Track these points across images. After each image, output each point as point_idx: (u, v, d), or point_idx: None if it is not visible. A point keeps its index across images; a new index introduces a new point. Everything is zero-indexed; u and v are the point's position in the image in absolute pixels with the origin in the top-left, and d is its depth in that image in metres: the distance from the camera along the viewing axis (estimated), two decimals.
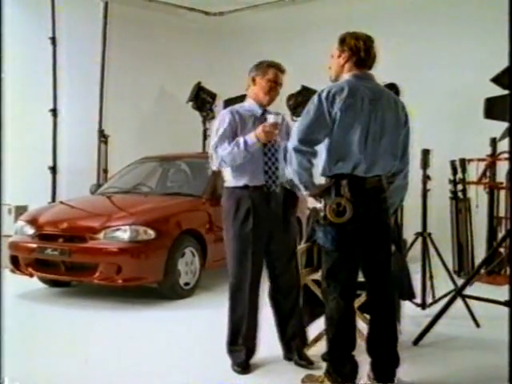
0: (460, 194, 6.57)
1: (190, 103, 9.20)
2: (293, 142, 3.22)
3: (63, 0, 7.98)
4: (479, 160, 6.55)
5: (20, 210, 7.36)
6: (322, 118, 3.19)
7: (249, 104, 3.83)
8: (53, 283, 6.14)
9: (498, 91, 5.51)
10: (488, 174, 6.56)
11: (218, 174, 6.49)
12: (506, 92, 5.31)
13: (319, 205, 3.29)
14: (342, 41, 3.35)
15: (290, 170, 3.30)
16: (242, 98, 9.34)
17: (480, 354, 4.16)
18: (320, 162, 3.29)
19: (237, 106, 3.85)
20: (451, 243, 6.63)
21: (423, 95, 7.15)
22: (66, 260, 5.59)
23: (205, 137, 9.32)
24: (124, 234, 5.49)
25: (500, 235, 6.56)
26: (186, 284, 5.81)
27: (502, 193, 6.60)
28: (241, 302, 3.80)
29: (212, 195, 6.27)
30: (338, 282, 3.31)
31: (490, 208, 6.62)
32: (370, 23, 8.57)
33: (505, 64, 5.25)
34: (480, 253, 6.60)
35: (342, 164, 3.23)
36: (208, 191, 6.30)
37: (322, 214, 3.25)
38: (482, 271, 6.46)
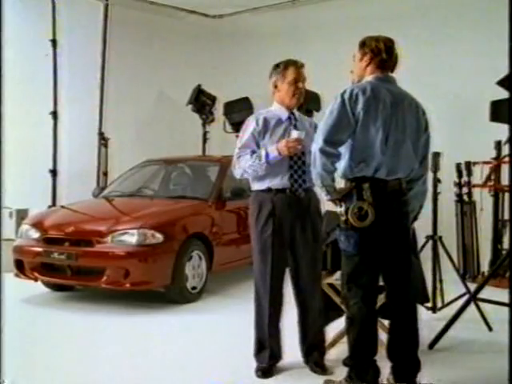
0: (465, 197, 6.57)
1: (190, 106, 9.18)
2: (318, 143, 3.19)
3: (64, 2, 7.91)
4: (484, 163, 6.56)
5: (21, 214, 7.30)
6: (345, 118, 3.18)
7: (275, 108, 3.82)
8: (57, 287, 6.08)
9: (503, 94, 5.51)
10: (493, 176, 6.57)
11: (222, 178, 6.51)
12: None
13: (339, 209, 3.26)
14: (363, 44, 3.36)
15: (313, 173, 3.27)
16: (242, 101, 9.41)
17: (496, 358, 4.11)
18: (341, 164, 3.27)
19: (263, 111, 3.83)
20: (456, 246, 6.63)
21: (427, 98, 7.12)
22: (73, 264, 5.52)
23: (205, 140, 9.30)
24: (132, 238, 5.43)
25: (505, 238, 6.60)
26: (193, 288, 5.76)
27: (507, 195, 6.60)
28: (263, 305, 3.76)
29: (218, 199, 6.25)
30: (360, 287, 3.29)
31: (495, 211, 6.62)
32: (371, 26, 8.56)
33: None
34: (486, 255, 6.63)
35: (365, 166, 3.21)
36: (214, 195, 6.27)
37: (343, 218, 3.22)
38: (488, 274, 6.52)
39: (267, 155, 3.61)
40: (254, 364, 3.86)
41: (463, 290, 5.15)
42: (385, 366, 3.44)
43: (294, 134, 3.64)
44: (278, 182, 3.68)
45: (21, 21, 7.71)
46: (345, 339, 4.10)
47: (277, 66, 3.78)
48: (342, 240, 3.26)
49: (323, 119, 3.26)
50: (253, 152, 3.69)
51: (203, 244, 5.89)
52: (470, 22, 7.67)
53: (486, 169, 6.62)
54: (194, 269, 5.76)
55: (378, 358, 3.42)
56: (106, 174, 8.44)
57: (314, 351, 3.85)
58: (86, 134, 8.42)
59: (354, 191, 3.20)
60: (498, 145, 6.54)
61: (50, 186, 7.93)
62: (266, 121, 3.73)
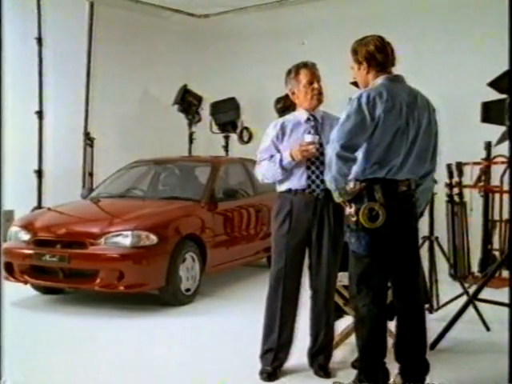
0: (456, 198, 6.60)
1: (176, 106, 9.11)
2: (334, 148, 3.15)
3: (49, 0, 7.79)
4: (474, 164, 6.60)
5: (6, 215, 7.14)
6: (363, 122, 3.14)
7: (297, 112, 3.84)
8: (46, 290, 5.95)
9: (494, 95, 5.55)
10: (483, 177, 6.62)
11: (214, 179, 6.46)
12: (502, 96, 5.36)
13: (349, 210, 3.24)
14: (355, 52, 3.33)
15: (327, 176, 3.22)
16: (228, 101, 9.37)
17: (496, 358, 4.11)
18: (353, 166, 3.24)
19: (287, 116, 3.87)
20: (447, 246, 6.65)
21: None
22: (65, 266, 5.41)
23: (191, 140, 9.24)
24: (126, 240, 5.34)
25: (495, 238, 6.66)
26: (187, 290, 5.69)
27: (497, 196, 6.66)
28: (275, 306, 3.74)
29: (210, 200, 6.19)
30: (370, 289, 3.27)
31: (485, 211, 6.67)
32: (359, 27, 8.56)
33: (501, 68, 5.31)
34: (476, 255, 6.67)
35: (378, 167, 3.19)
36: (206, 195, 6.20)
37: (353, 219, 3.20)
38: (478, 274, 6.58)
39: (281, 160, 3.65)
40: (253, 366, 3.81)
41: (456, 290, 5.20)
42: (391, 368, 3.42)
43: (308, 138, 3.64)
44: (296, 182, 3.69)
45: (6, 18, 7.55)
46: (347, 341, 4.13)
47: (289, 72, 3.78)
48: (352, 241, 3.24)
49: (339, 123, 3.23)
50: (271, 156, 3.73)
51: (196, 245, 5.82)
52: (462, 23, 7.73)
53: (476, 169, 6.67)
54: (188, 271, 5.69)
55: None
56: (91, 174, 8.34)
57: (320, 354, 3.82)
58: (72, 134, 8.30)
59: (365, 192, 3.18)
60: (488, 146, 6.59)
61: (35, 186, 7.82)
62: (283, 124, 3.77)
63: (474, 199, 6.69)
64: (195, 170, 7.01)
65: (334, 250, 3.72)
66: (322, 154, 3.61)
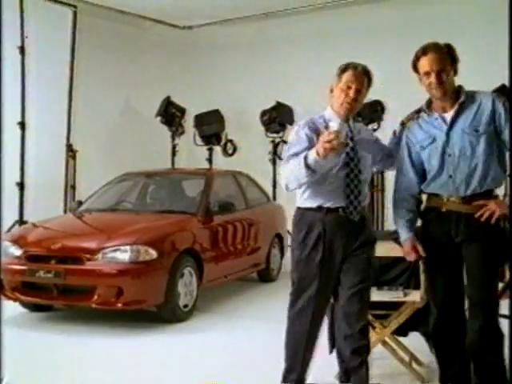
0: None
1: (159, 118, 8.99)
2: None
3: (32, 8, 7.60)
4: None
5: None
6: None
7: (328, 114, 3.30)
8: (35, 307, 5.69)
9: None
10: None
11: (209, 191, 6.34)
12: None
13: None
14: (449, 49, 3.10)
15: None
16: (212, 114, 9.24)
17: None
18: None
19: (315, 117, 3.32)
20: None
21: (407, 110, 7.19)
22: (59, 283, 5.18)
23: (174, 152, 9.12)
24: (124, 255, 5.15)
25: None
26: (185, 306, 5.51)
27: None
28: (302, 328, 3.35)
29: (206, 213, 6.07)
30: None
31: None
32: (343, 39, 8.61)
33: (483, 75, 5.38)
34: None
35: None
36: (202, 208, 6.07)
37: None
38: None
39: (305, 157, 3.03)
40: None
41: None
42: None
43: (334, 126, 2.97)
44: (330, 200, 3.21)
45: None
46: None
47: (339, 67, 3.27)
48: None
49: None
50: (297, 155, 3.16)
51: (194, 260, 5.67)
52: (447, 31, 7.77)
53: None
54: (186, 286, 5.52)
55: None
56: (73, 187, 8.15)
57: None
58: (54, 146, 8.12)
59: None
60: None
61: (17, 199, 7.56)
62: (314, 129, 3.22)
63: None
64: (186, 183, 6.90)
65: (367, 276, 3.32)
66: (361, 171, 3.25)
